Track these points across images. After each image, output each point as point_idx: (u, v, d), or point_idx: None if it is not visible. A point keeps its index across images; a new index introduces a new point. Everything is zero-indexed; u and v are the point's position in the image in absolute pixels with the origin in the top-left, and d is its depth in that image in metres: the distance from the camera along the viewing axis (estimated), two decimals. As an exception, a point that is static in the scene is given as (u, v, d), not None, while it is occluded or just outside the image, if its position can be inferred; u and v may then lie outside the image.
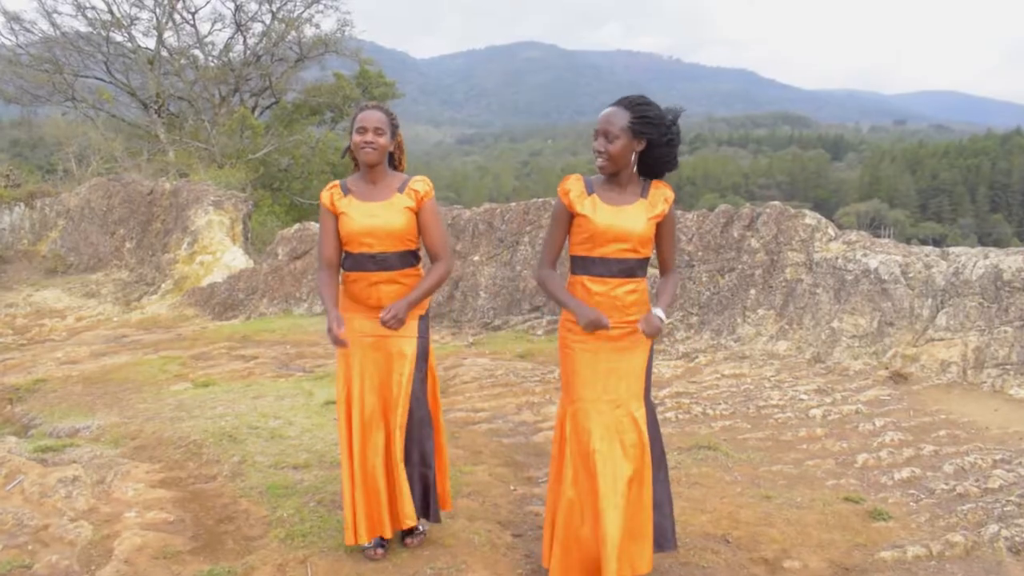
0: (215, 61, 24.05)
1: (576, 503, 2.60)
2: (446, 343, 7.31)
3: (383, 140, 2.87)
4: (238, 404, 5.02)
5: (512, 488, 3.67)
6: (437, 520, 3.01)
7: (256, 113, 24.20)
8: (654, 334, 2.56)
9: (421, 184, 2.93)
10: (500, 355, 6.62)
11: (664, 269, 2.77)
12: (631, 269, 2.63)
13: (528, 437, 4.45)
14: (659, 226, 2.67)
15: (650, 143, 2.59)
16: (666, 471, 2.77)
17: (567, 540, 2.61)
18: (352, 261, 2.92)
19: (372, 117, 2.87)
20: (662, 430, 4.49)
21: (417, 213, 2.92)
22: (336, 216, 2.91)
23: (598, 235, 2.61)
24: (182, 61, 23.30)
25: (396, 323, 2.81)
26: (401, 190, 2.92)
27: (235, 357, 6.98)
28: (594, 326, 2.51)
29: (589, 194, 2.66)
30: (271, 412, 4.79)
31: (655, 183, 2.69)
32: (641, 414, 2.63)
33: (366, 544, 2.93)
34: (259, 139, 21.81)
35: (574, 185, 2.69)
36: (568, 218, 2.68)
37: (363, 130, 2.86)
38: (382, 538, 2.94)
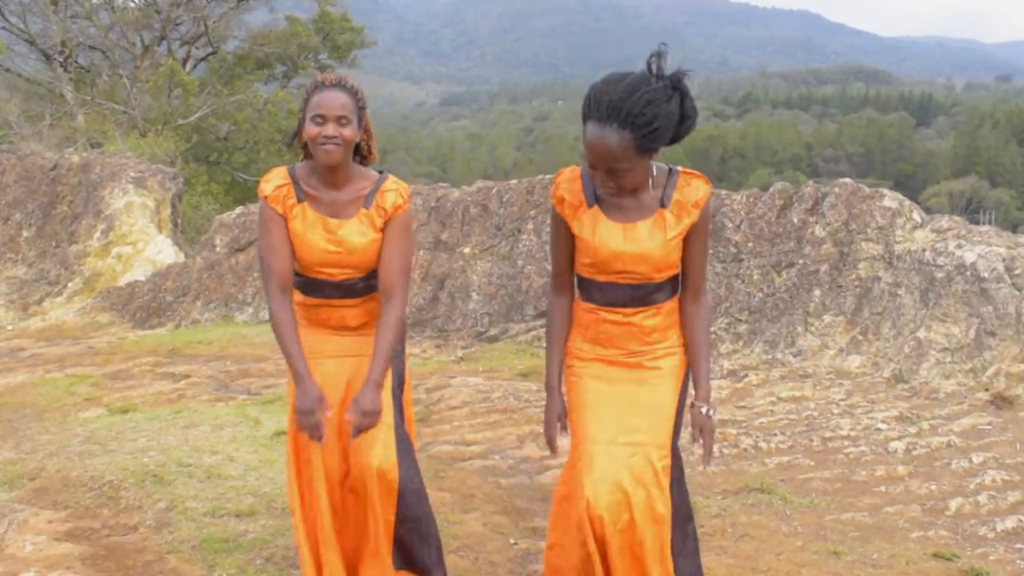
0: (136, 1, 24.06)
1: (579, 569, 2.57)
2: (429, 358, 7.31)
3: (348, 132, 2.71)
4: (165, 435, 5.02)
5: (512, 542, 3.67)
6: None
7: (188, 67, 24.19)
8: (711, 432, 2.56)
9: (392, 196, 2.82)
10: (497, 373, 6.62)
11: (688, 290, 2.62)
12: (648, 295, 2.55)
13: (532, 477, 4.45)
14: (687, 237, 2.54)
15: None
16: (695, 541, 2.73)
17: None
18: (308, 284, 2.87)
19: (333, 101, 2.70)
20: (703, 467, 4.50)
21: (383, 229, 2.83)
22: (287, 223, 2.80)
23: (601, 263, 2.53)
24: (94, 1, 23.30)
25: (376, 420, 2.73)
26: (368, 203, 2.80)
27: (161, 376, 6.98)
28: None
29: (590, 204, 2.53)
30: (207, 445, 4.79)
31: (683, 177, 2.52)
32: (665, 465, 2.53)
33: None
34: (192, 99, 21.81)
35: (569, 189, 2.56)
36: (568, 228, 2.58)
37: (321, 120, 2.69)
38: None
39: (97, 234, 11.72)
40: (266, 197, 2.79)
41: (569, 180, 2.58)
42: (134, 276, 10.92)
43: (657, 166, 2.52)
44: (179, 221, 12.72)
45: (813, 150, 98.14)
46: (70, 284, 11.28)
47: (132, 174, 12.16)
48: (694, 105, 2.42)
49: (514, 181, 8.74)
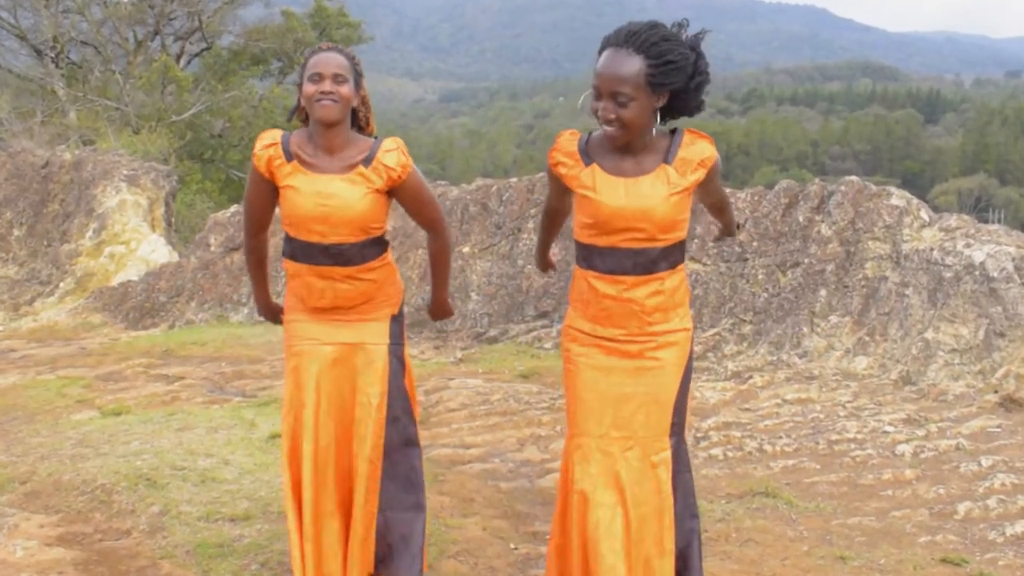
0: (129, -5, 24.04)
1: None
2: (427, 359, 7.31)
3: (345, 90, 2.80)
4: (158, 438, 5.02)
5: (513, 547, 3.67)
6: None
7: (182, 63, 24.21)
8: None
9: (393, 156, 2.86)
10: (497, 375, 6.62)
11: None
12: (652, 263, 2.50)
13: (533, 481, 4.46)
14: (700, 191, 2.55)
15: (674, 92, 2.44)
16: (698, 539, 2.72)
17: None
18: (297, 249, 2.90)
19: (330, 61, 2.81)
20: (707, 471, 4.51)
21: (393, 194, 2.90)
22: (275, 186, 2.89)
23: (603, 222, 2.49)
24: (86, -5, 23.30)
25: (450, 314, 3.32)
26: (368, 163, 2.84)
27: (155, 377, 6.99)
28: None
29: (587, 163, 2.52)
30: (201, 448, 4.79)
31: (688, 136, 2.51)
32: (663, 458, 2.53)
33: None
34: (186, 96, 21.83)
35: (566, 150, 2.58)
36: (565, 187, 2.62)
37: (318, 77, 2.78)
38: None
39: (89, 233, 11.72)
40: (256, 159, 2.90)
41: (567, 141, 2.60)
42: (127, 276, 10.92)
43: (660, 130, 2.52)
44: (173, 220, 12.72)
45: (819, 147, 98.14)
46: (62, 284, 11.28)
47: (125, 172, 12.17)
48: (707, 69, 2.46)
49: (514, 179, 8.75)
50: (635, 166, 2.49)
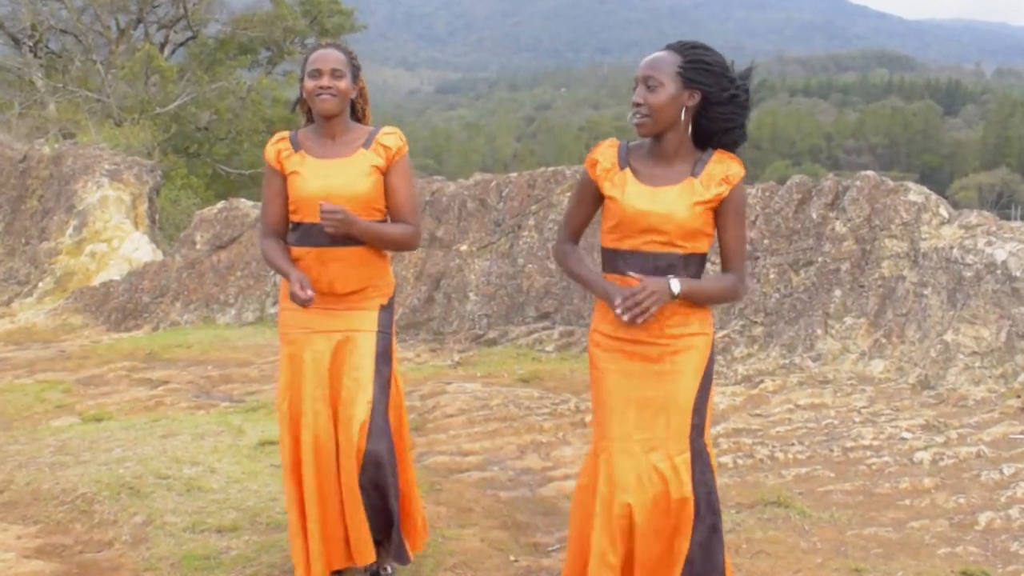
0: (111, -19, 24.05)
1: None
2: (423, 362, 7.32)
3: (343, 84, 3.13)
4: (142, 445, 5.03)
5: (513, 559, 3.68)
6: (405, 561, 3.27)
7: (166, 52, 24.22)
8: (648, 300, 2.58)
9: (392, 138, 3.20)
10: (496, 378, 6.63)
11: (730, 273, 2.80)
12: (670, 268, 2.70)
13: (533, 489, 4.46)
14: (719, 214, 2.73)
15: (707, 98, 2.68)
16: (719, 534, 2.84)
17: None
18: (300, 233, 3.17)
19: (328, 57, 3.13)
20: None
21: (385, 173, 3.18)
22: (284, 176, 3.19)
23: (626, 223, 2.71)
24: (66, -19, 23.32)
25: (339, 224, 3.01)
26: (367, 145, 3.18)
27: (138, 382, 6.99)
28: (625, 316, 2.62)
29: (623, 168, 2.76)
30: (186, 456, 4.79)
31: (718, 154, 2.75)
32: (684, 460, 2.72)
33: None
34: (170, 87, 21.84)
35: (605, 154, 2.80)
36: (595, 194, 2.82)
37: (317, 73, 3.10)
38: None
39: (69, 230, 11.72)
40: (266, 154, 3.24)
41: (607, 147, 2.84)
42: (109, 275, 10.92)
43: (694, 147, 2.75)
44: (157, 217, 12.72)
45: (833, 141, 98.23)
46: (41, 284, 11.28)
47: (107, 166, 12.17)
48: (746, 90, 2.73)
49: (514, 174, 8.75)
50: (665, 176, 2.72)
